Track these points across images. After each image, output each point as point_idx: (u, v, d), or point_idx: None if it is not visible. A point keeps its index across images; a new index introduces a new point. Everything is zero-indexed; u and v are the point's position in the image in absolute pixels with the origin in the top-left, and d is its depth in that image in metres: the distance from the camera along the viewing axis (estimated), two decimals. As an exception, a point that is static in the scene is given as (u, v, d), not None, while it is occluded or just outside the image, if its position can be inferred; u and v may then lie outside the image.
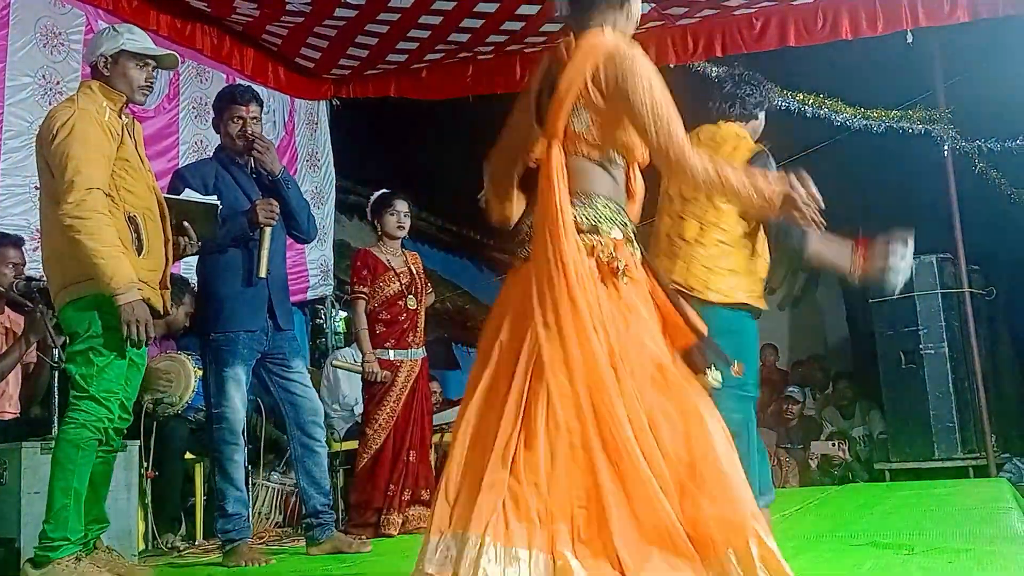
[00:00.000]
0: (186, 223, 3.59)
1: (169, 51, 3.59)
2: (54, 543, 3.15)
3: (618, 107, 2.35)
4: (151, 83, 3.47)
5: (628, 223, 2.43)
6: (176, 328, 5.16)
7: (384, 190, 5.20)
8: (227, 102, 4.10)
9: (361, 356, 5.02)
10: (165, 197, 3.56)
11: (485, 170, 2.64)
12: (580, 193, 2.38)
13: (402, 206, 5.13)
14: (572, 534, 2.13)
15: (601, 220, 2.37)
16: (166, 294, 3.46)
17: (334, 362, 5.99)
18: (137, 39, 3.42)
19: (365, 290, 4.99)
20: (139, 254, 3.28)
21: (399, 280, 5.05)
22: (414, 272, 5.16)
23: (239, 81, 6.07)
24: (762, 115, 3.73)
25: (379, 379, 4.91)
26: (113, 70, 3.37)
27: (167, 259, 3.46)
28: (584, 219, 2.36)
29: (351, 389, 5.94)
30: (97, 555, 3.36)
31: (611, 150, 2.43)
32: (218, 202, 3.76)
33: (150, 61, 3.43)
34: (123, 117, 3.40)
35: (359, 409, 5.76)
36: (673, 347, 2.36)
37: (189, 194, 3.75)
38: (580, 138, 2.39)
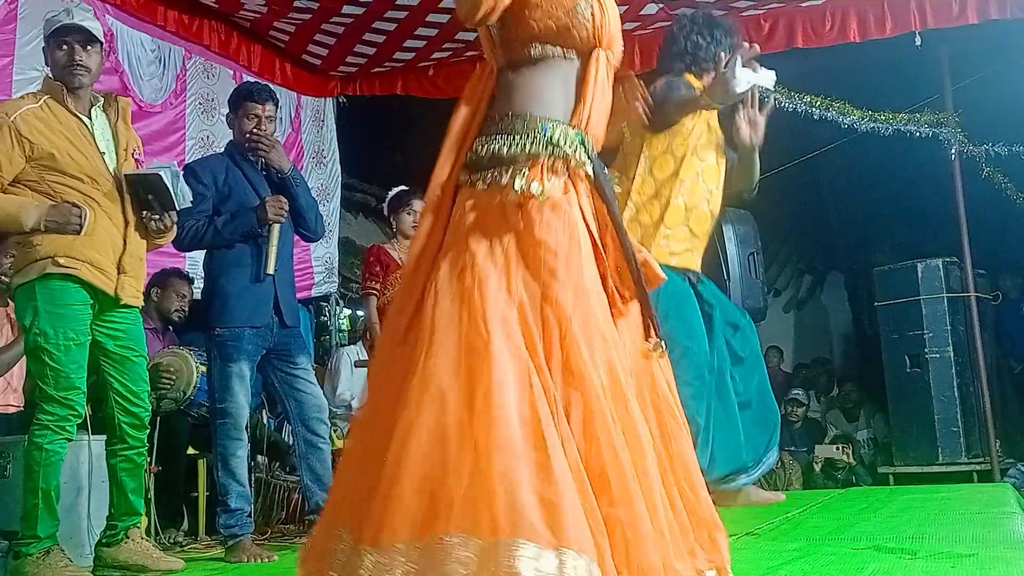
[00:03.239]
0: (150, 196, 3.43)
1: (81, 25, 3.31)
2: (24, 539, 3.20)
3: None
4: (78, 61, 3.28)
5: None
6: (166, 311, 5.10)
7: (402, 188, 5.16)
8: (244, 99, 4.07)
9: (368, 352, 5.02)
10: (124, 175, 3.43)
11: None
12: None
13: (419, 205, 5.09)
14: None
15: None
16: (123, 279, 3.37)
17: (356, 361, 5.98)
18: (60, 18, 3.29)
19: (377, 286, 4.98)
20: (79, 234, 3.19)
21: (410, 279, 5.02)
22: (424, 272, 5.12)
23: (247, 78, 6.07)
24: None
25: (388, 375, 4.89)
26: (50, 57, 3.33)
27: (126, 243, 3.39)
28: None
29: (346, 387, 5.96)
30: (128, 544, 3.41)
31: None
32: (161, 170, 3.49)
33: (69, 39, 3.28)
34: (71, 101, 3.30)
35: (356, 404, 5.75)
36: None
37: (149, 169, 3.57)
38: None
